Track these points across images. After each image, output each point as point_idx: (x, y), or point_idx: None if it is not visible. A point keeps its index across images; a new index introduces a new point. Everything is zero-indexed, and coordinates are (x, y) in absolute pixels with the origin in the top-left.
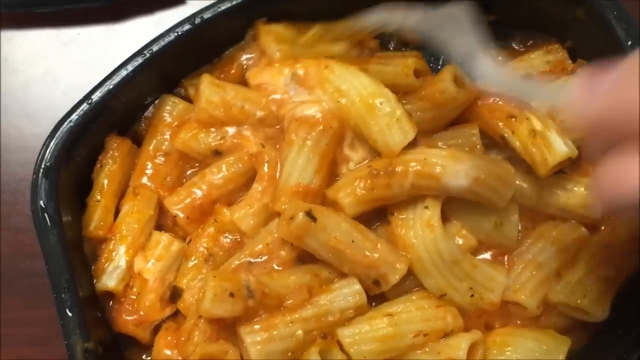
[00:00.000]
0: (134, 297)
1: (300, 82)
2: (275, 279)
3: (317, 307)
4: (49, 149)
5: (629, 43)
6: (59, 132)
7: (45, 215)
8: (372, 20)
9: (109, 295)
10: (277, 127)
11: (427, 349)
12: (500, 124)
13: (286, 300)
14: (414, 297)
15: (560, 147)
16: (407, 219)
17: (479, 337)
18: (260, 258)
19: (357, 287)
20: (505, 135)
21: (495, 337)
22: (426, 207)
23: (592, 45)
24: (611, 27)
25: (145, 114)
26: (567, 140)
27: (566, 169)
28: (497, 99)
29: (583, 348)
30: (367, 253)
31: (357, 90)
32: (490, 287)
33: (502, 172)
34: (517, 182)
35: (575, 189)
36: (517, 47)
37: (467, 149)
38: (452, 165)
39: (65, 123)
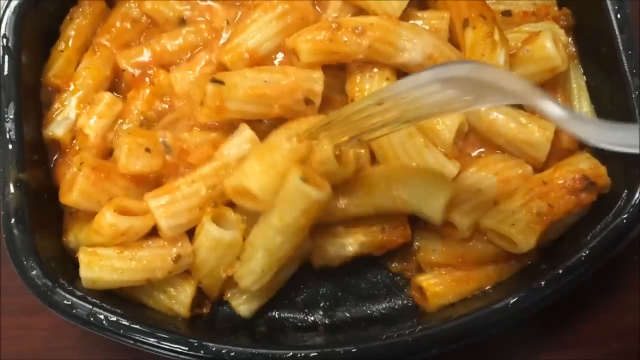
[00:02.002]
0: (76, 152)
1: None
2: (195, 135)
3: (215, 161)
4: None
5: None
6: None
7: (6, 45)
8: None
9: (55, 146)
10: (248, 4)
11: None
12: (471, 17)
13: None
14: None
15: (500, 58)
16: (365, 90)
17: None
18: (189, 119)
19: (248, 132)
20: (468, 25)
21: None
22: (387, 79)
23: None
24: None
25: None
26: (508, 65)
27: (526, 106)
28: None
29: (507, 279)
30: (283, 82)
31: None
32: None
33: (454, 57)
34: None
35: (529, 125)
36: None
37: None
38: (412, 37)
39: None
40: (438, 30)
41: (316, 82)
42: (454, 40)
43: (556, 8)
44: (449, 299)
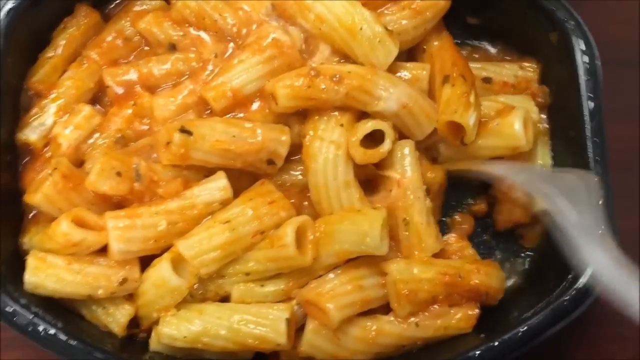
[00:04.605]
0: (46, 159)
1: (281, 13)
2: (167, 169)
3: (183, 199)
4: None
5: (586, 79)
6: None
7: None
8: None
9: (27, 151)
10: (238, 42)
11: (261, 244)
12: (452, 75)
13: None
14: (250, 198)
15: (471, 120)
16: (319, 129)
17: (305, 220)
18: None
19: (223, 181)
20: (448, 81)
21: (319, 226)
22: (341, 125)
23: (557, 72)
24: (573, 58)
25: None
26: (476, 128)
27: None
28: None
29: (441, 345)
30: (250, 140)
31: (337, 17)
32: None
33: (428, 108)
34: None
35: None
36: (493, 53)
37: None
38: (388, 87)
39: None
40: (418, 80)
41: (282, 145)
42: (431, 94)
43: (536, 84)
44: None
